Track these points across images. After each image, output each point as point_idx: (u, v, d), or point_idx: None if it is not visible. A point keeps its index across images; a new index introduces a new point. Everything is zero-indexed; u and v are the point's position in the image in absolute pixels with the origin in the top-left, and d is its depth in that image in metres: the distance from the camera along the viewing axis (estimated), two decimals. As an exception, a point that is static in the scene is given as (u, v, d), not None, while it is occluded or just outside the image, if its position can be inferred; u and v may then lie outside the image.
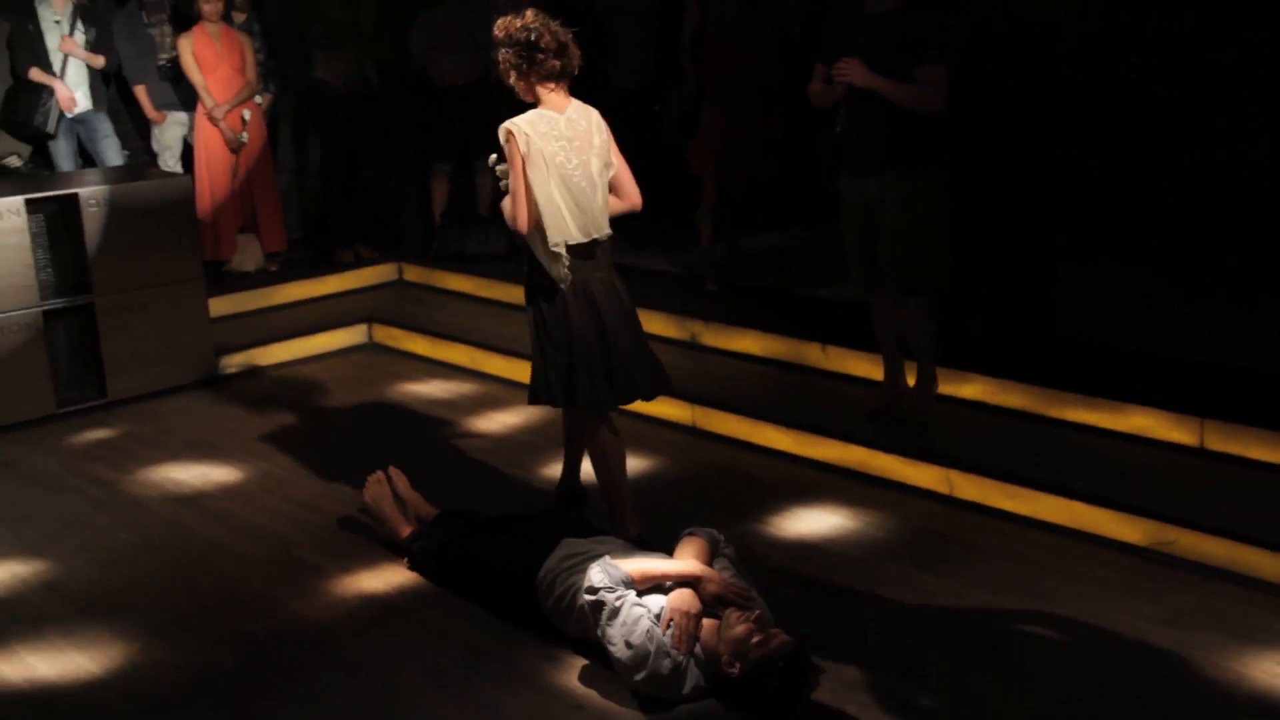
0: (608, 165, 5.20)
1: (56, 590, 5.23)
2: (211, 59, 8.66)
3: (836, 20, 6.07)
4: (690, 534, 4.69)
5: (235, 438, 6.84)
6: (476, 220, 9.58)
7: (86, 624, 4.94)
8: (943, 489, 5.91)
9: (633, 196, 5.28)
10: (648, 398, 5.40)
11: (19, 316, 7.01)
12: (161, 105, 9.04)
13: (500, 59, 5.12)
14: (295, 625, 4.91)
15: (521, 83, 5.12)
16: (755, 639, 4.15)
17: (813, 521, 5.69)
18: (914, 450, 6.06)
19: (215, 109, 8.68)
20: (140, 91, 9.02)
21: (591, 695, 4.34)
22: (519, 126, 5.00)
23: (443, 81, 9.20)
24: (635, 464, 6.32)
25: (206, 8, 8.60)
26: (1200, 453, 5.85)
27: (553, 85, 5.11)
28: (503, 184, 5.16)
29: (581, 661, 4.51)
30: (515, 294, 8.49)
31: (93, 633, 4.87)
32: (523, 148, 4.98)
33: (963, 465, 5.88)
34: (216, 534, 5.70)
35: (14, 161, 9.41)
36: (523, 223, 5.03)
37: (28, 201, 7.04)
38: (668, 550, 4.64)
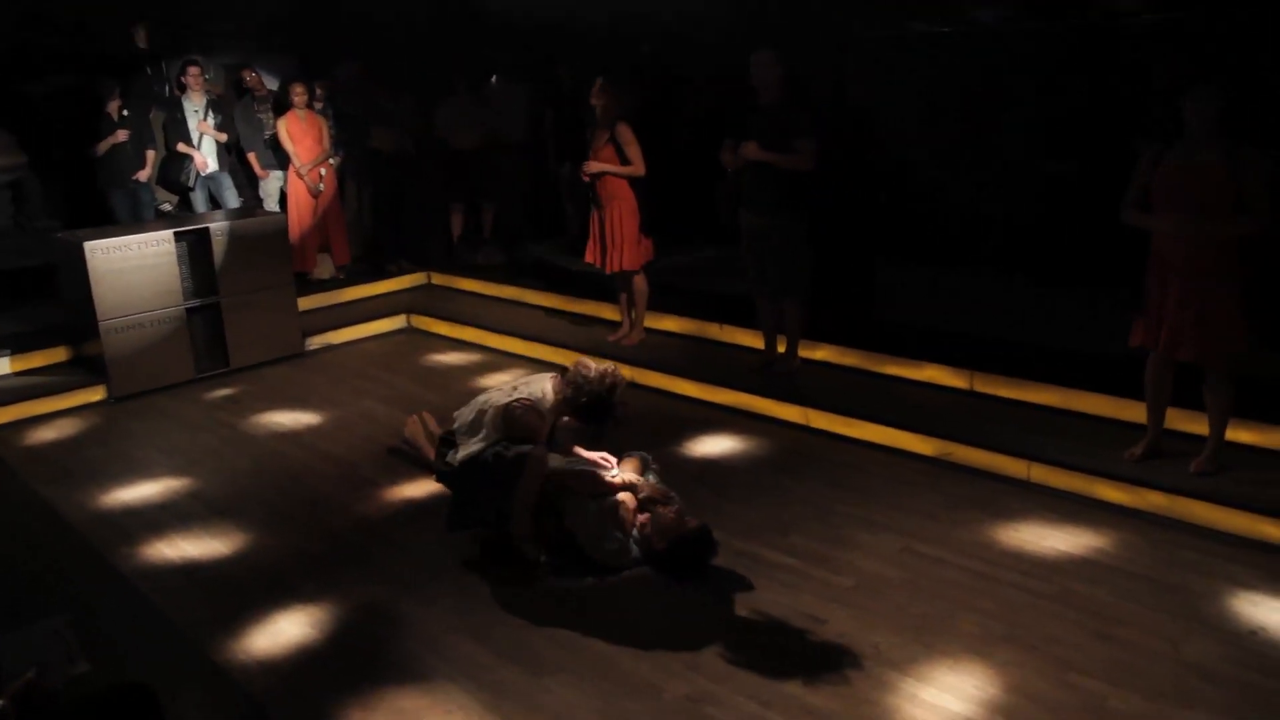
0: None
1: (198, 498, 5.23)
2: (299, 133, 8.55)
3: (740, 110, 6.05)
4: (628, 454, 4.75)
5: (317, 393, 6.81)
6: (481, 242, 9.54)
7: (219, 520, 4.95)
8: (802, 421, 5.95)
9: None
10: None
11: (170, 311, 6.93)
12: (266, 166, 8.91)
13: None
14: (361, 520, 4.93)
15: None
16: (675, 524, 4.25)
17: (714, 445, 5.72)
18: (783, 395, 6.09)
19: (301, 168, 8.57)
20: (252, 157, 8.89)
21: (561, 565, 4.36)
22: None
23: (457, 147, 9.16)
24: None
25: (296, 99, 8.51)
26: (971, 393, 5.92)
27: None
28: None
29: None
30: (509, 291, 8.58)
31: (224, 526, 4.88)
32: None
33: (816, 404, 5.93)
34: (306, 459, 5.70)
35: (167, 207, 9.42)
36: None
37: (175, 233, 6.96)
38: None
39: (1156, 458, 4.84)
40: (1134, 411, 5.09)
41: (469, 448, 4.46)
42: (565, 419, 4.60)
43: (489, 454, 4.38)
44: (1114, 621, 3.81)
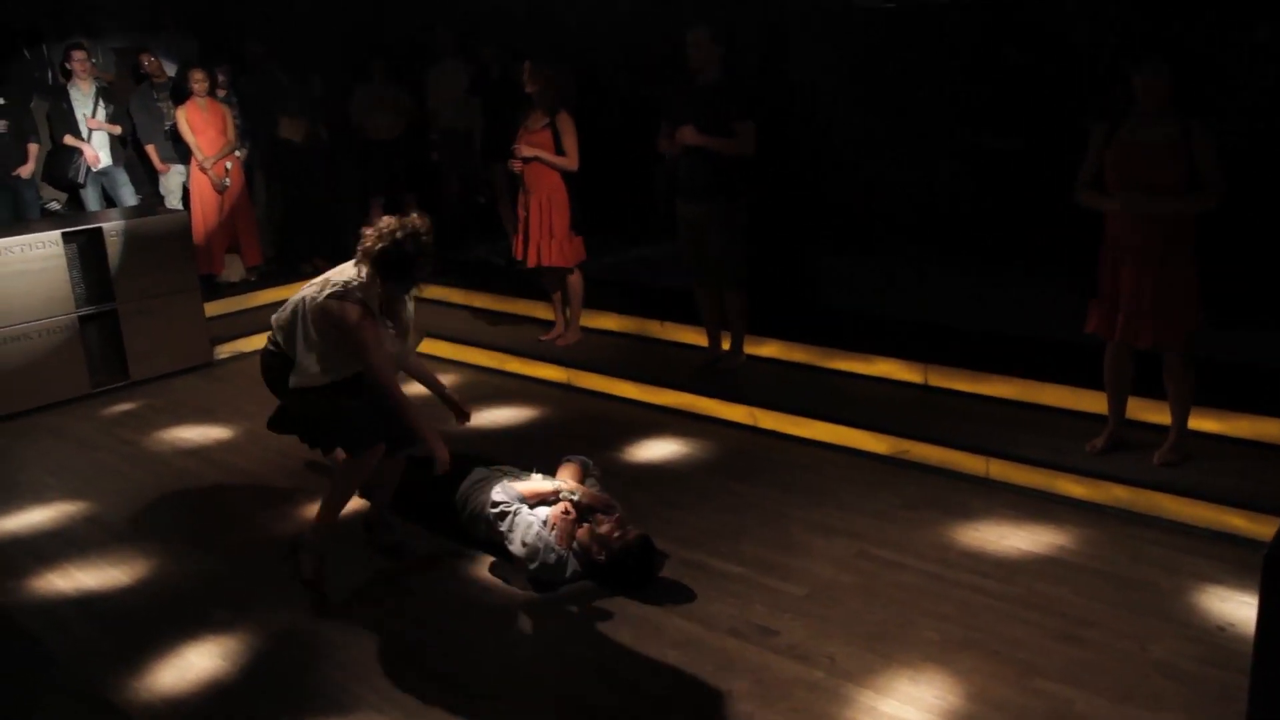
0: None
1: (95, 522, 5.08)
2: (201, 124, 8.37)
3: (676, 90, 6.02)
4: (567, 460, 4.69)
5: (227, 405, 6.66)
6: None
7: (119, 546, 4.81)
8: (749, 421, 5.94)
9: None
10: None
11: (60, 320, 6.75)
12: (165, 159, 8.70)
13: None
14: (274, 540, 4.81)
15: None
16: (615, 534, 4.21)
17: (656, 449, 5.68)
18: (728, 394, 6.07)
19: (205, 161, 8.39)
20: (150, 150, 8.67)
21: (497, 582, 4.34)
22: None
23: (374, 136, 9.03)
24: (525, 412, 6.33)
25: (197, 87, 8.31)
26: (925, 388, 5.95)
27: None
28: None
29: (489, 559, 4.49)
30: (433, 292, 8.46)
31: (124, 552, 4.74)
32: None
33: (763, 403, 5.92)
34: (215, 477, 5.57)
35: (55, 206, 9.11)
36: None
37: (64, 234, 6.77)
38: (551, 473, 4.63)
39: (1119, 450, 4.90)
40: (1094, 402, 5.15)
41: (305, 369, 4.24)
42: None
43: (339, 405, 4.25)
44: (1079, 622, 3.84)
